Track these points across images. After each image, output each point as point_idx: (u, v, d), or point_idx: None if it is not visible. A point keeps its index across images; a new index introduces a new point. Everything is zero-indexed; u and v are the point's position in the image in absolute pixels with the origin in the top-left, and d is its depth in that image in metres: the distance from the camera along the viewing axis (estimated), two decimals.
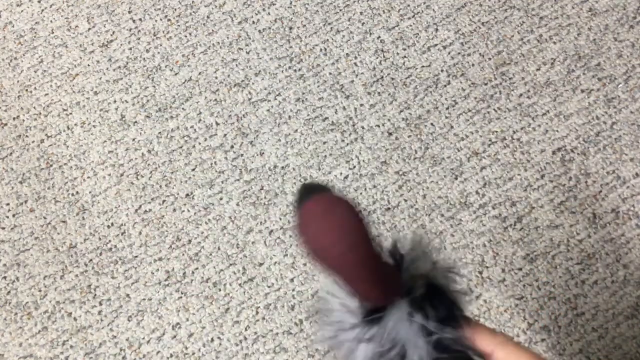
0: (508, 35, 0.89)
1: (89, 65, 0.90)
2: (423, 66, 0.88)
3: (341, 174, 0.82)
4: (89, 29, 0.92)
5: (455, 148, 0.83)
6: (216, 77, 0.88)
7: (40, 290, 0.77)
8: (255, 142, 0.84)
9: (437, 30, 0.90)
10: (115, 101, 0.87)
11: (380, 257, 0.31)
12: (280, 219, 0.79)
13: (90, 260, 0.78)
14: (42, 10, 0.94)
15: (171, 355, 0.74)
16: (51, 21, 0.93)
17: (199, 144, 0.84)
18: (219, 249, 0.78)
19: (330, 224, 0.28)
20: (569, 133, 0.83)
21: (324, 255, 0.28)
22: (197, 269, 0.78)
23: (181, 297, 0.76)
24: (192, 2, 0.93)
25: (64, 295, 0.77)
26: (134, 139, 0.85)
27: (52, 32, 0.92)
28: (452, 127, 0.84)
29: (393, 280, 0.32)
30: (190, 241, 0.79)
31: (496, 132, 0.84)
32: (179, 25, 0.92)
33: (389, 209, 0.80)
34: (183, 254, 0.78)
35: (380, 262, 0.30)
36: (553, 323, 0.74)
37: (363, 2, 0.92)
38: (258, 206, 0.80)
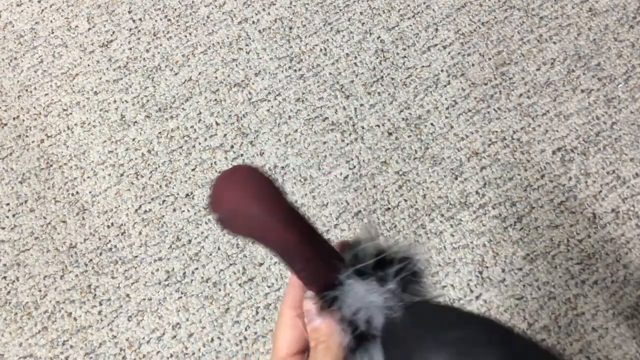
0: (508, 35, 0.89)
1: (89, 65, 0.90)
2: (423, 66, 0.88)
3: (341, 174, 0.82)
4: (89, 29, 0.92)
5: (455, 148, 0.83)
6: (216, 77, 0.88)
7: (40, 290, 0.77)
8: (255, 142, 0.84)
9: (437, 30, 0.90)
10: (115, 101, 0.87)
11: (314, 230, 0.30)
12: None
13: (90, 260, 0.78)
14: (42, 10, 0.94)
15: (171, 355, 0.74)
16: (51, 21, 0.93)
17: (199, 144, 0.84)
18: (219, 249, 0.78)
19: (247, 191, 0.28)
20: (569, 133, 0.83)
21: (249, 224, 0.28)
22: (197, 269, 0.77)
23: (181, 297, 0.76)
24: (192, 2, 0.93)
25: (64, 295, 0.77)
26: (134, 139, 0.85)
27: (52, 32, 0.92)
28: (452, 127, 0.84)
29: (332, 253, 0.31)
30: (190, 241, 0.79)
31: (496, 132, 0.84)
32: (179, 25, 0.92)
33: (389, 209, 0.80)
34: (183, 254, 0.78)
35: (313, 233, 0.30)
36: (553, 323, 0.74)
37: (363, 2, 0.92)
38: None
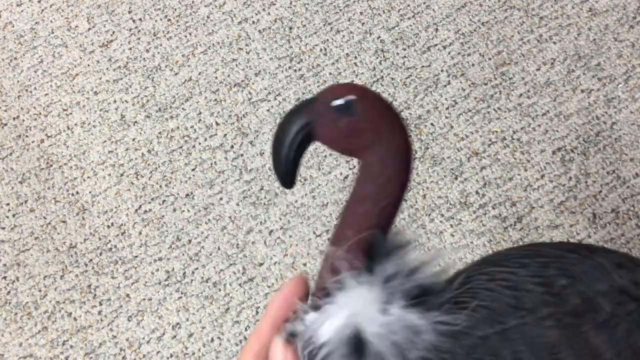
0: (508, 35, 0.89)
1: (89, 65, 0.90)
2: (423, 66, 0.88)
3: (341, 174, 0.82)
4: (89, 29, 0.92)
5: (455, 148, 0.83)
6: (216, 77, 0.88)
7: (40, 290, 0.77)
8: (255, 142, 0.84)
9: (437, 30, 0.90)
10: (115, 101, 0.87)
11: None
12: (280, 219, 0.79)
13: (90, 260, 0.78)
14: (42, 10, 0.94)
15: (171, 355, 0.74)
16: (51, 21, 0.93)
17: (199, 144, 0.84)
18: (219, 249, 0.78)
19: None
20: (569, 133, 0.83)
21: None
22: (197, 269, 0.78)
23: (181, 297, 0.76)
24: (192, 2, 0.93)
25: (64, 295, 0.77)
26: (134, 139, 0.85)
27: (52, 32, 0.92)
28: (452, 127, 0.84)
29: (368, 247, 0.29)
30: (190, 241, 0.79)
31: (496, 132, 0.84)
32: (179, 25, 0.92)
33: None
34: (183, 254, 0.78)
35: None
36: None
37: (363, 2, 0.92)
38: (258, 206, 0.80)
